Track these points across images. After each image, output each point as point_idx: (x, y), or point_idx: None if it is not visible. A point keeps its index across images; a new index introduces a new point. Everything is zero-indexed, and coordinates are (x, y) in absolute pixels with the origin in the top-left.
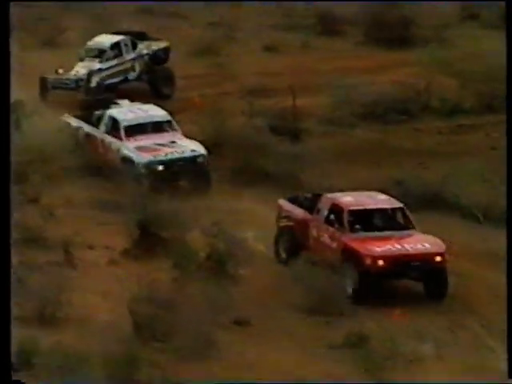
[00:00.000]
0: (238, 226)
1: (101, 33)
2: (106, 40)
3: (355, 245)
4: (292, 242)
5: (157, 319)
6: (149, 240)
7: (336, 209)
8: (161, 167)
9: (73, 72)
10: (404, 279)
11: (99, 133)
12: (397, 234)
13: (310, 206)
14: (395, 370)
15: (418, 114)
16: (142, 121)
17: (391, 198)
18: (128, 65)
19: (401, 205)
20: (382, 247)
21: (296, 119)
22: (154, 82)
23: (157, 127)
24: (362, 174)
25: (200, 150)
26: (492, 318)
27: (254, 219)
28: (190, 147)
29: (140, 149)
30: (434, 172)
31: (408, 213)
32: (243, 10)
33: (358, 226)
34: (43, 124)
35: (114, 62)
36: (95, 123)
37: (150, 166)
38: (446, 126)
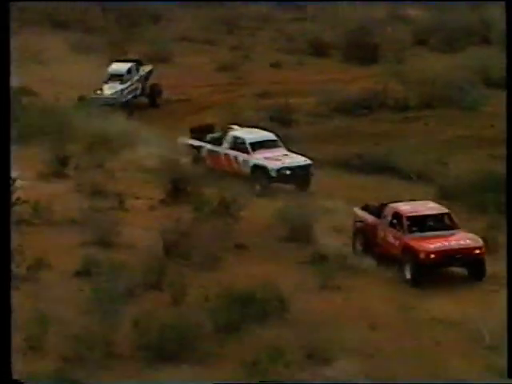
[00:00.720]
0: None
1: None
2: (122, 66)
3: (413, 243)
4: (365, 239)
5: (181, 244)
6: (177, 193)
7: (397, 215)
8: (288, 172)
9: (106, 92)
10: (451, 267)
11: (222, 149)
12: (445, 233)
13: (378, 213)
14: (345, 278)
15: (376, 109)
16: (261, 139)
17: (440, 206)
18: (136, 84)
19: (447, 211)
20: (433, 244)
21: (288, 113)
22: (152, 96)
23: (270, 144)
24: (333, 150)
25: (308, 161)
26: None
27: None
28: (302, 159)
29: (268, 159)
30: (385, 148)
31: (453, 216)
32: (257, 36)
33: (414, 228)
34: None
35: (129, 83)
36: (214, 142)
37: (280, 171)
38: (396, 117)
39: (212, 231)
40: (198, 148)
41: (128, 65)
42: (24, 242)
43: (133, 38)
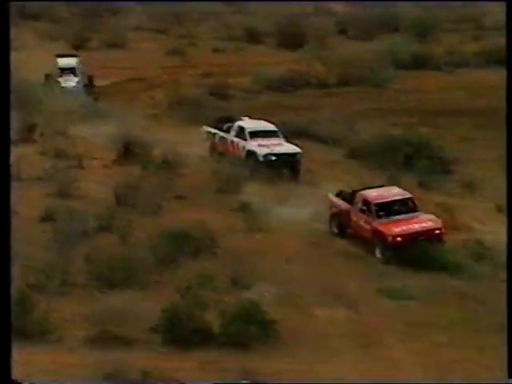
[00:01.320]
0: (183, 147)
1: None
2: (72, 61)
3: (381, 228)
4: (340, 223)
5: (129, 195)
6: (128, 154)
7: (366, 202)
8: (273, 158)
9: (68, 83)
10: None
11: (230, 136)
12: (408, 216)
13: (350, 199)
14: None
15: (301, 86)
16: (259, 129)
17: (403, 190)
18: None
19: (410, 195)
20: (399, 228)
21: (226, 89)
22: (91, 84)
23: (269, 134)
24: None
25: (297, 149)
26: None
27: (193, 141)
28: (291, 147)
29: (260, 146)
30: (306, 119)
31: (414, 200)
32: (202, 27)
33: (381, 213)
34: None
35: (80, 75)
36: (226, 131)
37: (266, 156)
38: (317, 93)
39: (155, 185)
40: (214, 135)
41: (75, 59)
42: None
43: (94, 28)
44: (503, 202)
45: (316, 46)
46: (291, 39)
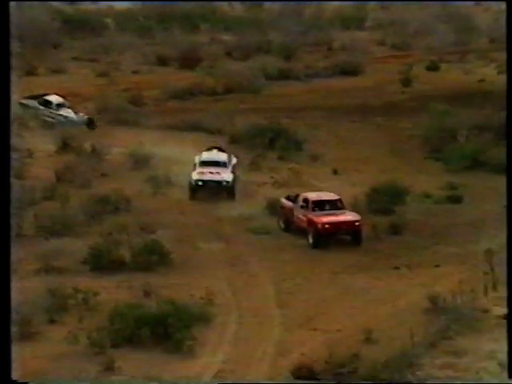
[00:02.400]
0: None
1: None
2: (58, 98)
3: (314, 218)
4: (285, 219)
5: (66, 174)
6: (66, 147)
7: (306, 200)
8: (200, 183)
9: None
10: (338, 235)
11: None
12: (336, 212)
13: (294, 200)
14: (170, 188)
15: (197, 95)
16: (209, 159)
17: (335, 194)
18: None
19: (339, 197)
20: (327, 219)
21: (141, 99)
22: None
23: (216, 163)
24: (168, 119)
25: (228, 179)
26: None
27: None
28: (223, 177)
29: (199, 173)
30: (200, 117)
31: (342, 201)
32: (124, 55)
33: (316, 209)
34: None
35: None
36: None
37: (196, 181)
38: (209, 99)
39: (86, 166)
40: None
41: (59, 98)
42: None
43: (40, 58)
44: (338, 167)
45: (208, 65)
46: (190, 61)
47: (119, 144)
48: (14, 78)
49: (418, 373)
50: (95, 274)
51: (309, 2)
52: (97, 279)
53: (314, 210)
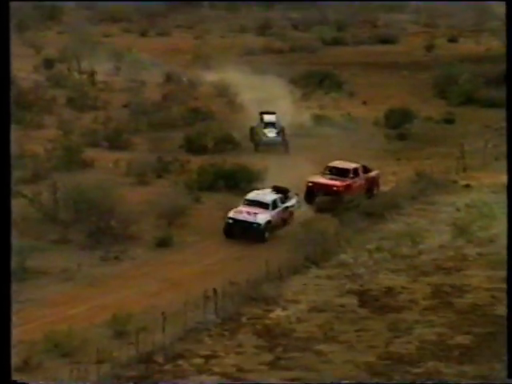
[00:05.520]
0: None
1: None
2: (273, 117)
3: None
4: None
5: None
6: (170, 80)
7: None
8: (231, 221)
9: (270, 135)
10: (320, 195)
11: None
12: (343, 178)
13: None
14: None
15: (268, 53)
16: (252, 198)
17: (351, 163)
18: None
19: (351, 167)
20: (315, 180)
21: (225, 52)
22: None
23: (259, 204)
24: (243, 67)
25: (260, 221)
26: None
27: None
28: (257, 218)
29: (235, 211)
30: (272, 64)
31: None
32: (215, 24)
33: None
34: None
35: (278, 129)
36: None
37: (228, 220)
38: (277, 56)
39: (184, 93)
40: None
41: (274, 116)
42: None
43: (151, 25)
44: (367, 100)
45: (278, 33)
46: (264, 30)
47: (207, 79)
48: (131, 38)
49: (401, 211)
50: (188, 153)
51: None
52: (189, 156)
53: (324, 173)
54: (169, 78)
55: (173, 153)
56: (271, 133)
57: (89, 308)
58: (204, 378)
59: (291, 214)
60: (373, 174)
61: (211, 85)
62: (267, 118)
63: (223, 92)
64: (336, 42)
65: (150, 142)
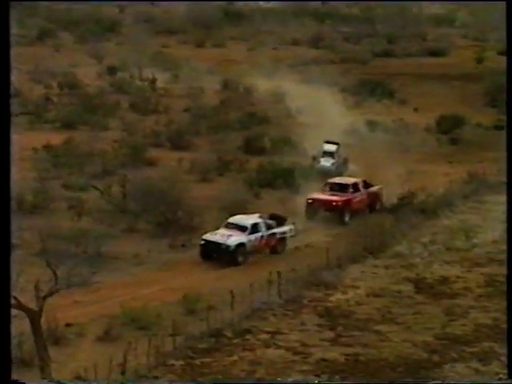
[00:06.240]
0: None
1: None
2: (332, 147)
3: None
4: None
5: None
6: (227, 87)
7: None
8: (203, 242)
9: (325, 163)
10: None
11: None
12: (342, 193)
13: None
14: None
15: (320, 63)
16: (231, 221)
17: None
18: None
19: (351, 182)
20: (315, 197)
21: (278, 62)
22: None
23: (237, 227)
24: (295, 76)
25: (231, 243)
26: None
27: None
28: (228, 240)
29: (210, 233)
30: (324, 73)
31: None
32: (268, 37)
33: (326, 188)
34: None
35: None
36: None
37: (201, 241)
38: (333, 67)
39: (240, 100)
40: None
41: (335, 146)
42: None
43: (207, 36)
44: (418, 108)
45: (329, 45)
46: (316, 43)
47: (262, 87)
48: (188, 49)
49: (454, 209)
50: (246, 154)
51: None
52: (247, 157)
53: (324, 190)
54: (226, 85)
55: (232, 153)
56: (326, 162)
57: (160, 289)
58: (270, 351)
59: (281, 241)
60: (375, 189)
61: (266, 92)
62: (326, 147)
63: (278, 98)
64: (386, 54)
65: (209, 144)
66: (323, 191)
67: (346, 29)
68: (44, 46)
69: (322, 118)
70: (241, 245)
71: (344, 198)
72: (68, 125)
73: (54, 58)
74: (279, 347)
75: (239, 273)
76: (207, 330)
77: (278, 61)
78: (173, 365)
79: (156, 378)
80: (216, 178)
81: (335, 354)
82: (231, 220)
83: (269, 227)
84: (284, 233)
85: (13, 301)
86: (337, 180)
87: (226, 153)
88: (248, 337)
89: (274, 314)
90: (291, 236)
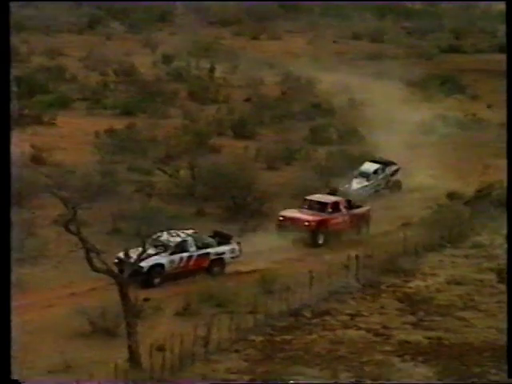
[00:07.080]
0: None
1: None
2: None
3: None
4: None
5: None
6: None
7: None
8: (116, 260)
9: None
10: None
11: None
12: (319, 212)
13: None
14: None
15: (381, 58)
16: (158, 238)
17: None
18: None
19: (331, 201)
20: (286, 214)
21: (338, 55)
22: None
23: (162, 245)
24: (355, 69)
25: (144, 264)
26: None
27: None
28: (142, 261)
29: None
30: (387, 66)
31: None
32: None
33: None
34: None
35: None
36: None
37: (115, 259)
38: (392, 61)
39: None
40: None
41: (375, 166)
42: None
43: (264, 29)
44: (492, 104)
45: (391, 39)
46: (377, 37)
47: (325, 79)
48: (244, 40)
49: None
50: (313, 144)
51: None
52: (314, 146)
53: (303, 207)
54: (287, 76)
55: (297, 143)
56: (358, 184)
57: (249, 270)
58: (351, 331)
59: (217, 262)
60: (361, 210)
61: (330, 84)
62: (364, 167)
63: (342, 91)
64: (453, 49)
65: (274, 133)
66: (300, 208)
67: (409, 24)
68: (95, 34)
69: (390, 111)
70: (157, 266)
71: (318, 218)
72: (127, 111)
73: (106, 46)
74: (359, 328)
75: (313, 256)
76: (286, 309)
77: (338, 54)
78: (253, 340)
79: (237, 351)
80: (282, 166)
81: (418, 336)
82: (160, 237)
83: (202, 246)
84: (222, 253)
85: (104, 266)
86: (316, 198)
87: (291, 142)
88: (327, 318)
89: (353, 298)
90: (233, 257)
